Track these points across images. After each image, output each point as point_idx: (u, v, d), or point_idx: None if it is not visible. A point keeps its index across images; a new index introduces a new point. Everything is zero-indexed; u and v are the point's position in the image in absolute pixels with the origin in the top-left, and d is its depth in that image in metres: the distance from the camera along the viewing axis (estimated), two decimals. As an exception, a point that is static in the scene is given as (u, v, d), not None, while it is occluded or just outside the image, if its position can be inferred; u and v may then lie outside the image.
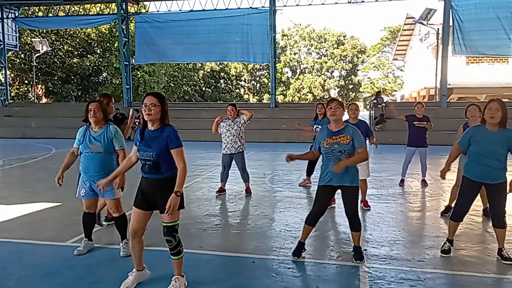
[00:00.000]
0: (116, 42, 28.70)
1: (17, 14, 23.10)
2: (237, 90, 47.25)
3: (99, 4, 23.21)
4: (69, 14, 23.30)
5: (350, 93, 52.42)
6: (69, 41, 30.96)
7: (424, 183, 7.70)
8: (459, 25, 17.14)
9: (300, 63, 54.02)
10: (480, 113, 5.21)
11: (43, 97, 33.49)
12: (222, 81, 44.48)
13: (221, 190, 6.92)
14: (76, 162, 4.14)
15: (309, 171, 7.69)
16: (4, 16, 22.40)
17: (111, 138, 3.96)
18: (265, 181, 8.23)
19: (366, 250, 4.20)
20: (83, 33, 31.25)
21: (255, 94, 49.95)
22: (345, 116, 4.42)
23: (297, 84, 50.14)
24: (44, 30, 28.05)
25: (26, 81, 31.54)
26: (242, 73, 49.01)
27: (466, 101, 22.29)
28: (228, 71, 45.00)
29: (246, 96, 49.07)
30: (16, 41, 24.47)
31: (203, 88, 43.12)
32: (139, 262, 3.42)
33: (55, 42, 30.10)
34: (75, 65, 30.59)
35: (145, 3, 22.94)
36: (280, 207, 6.14)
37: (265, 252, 4.21)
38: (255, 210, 6.00)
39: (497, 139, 3.78)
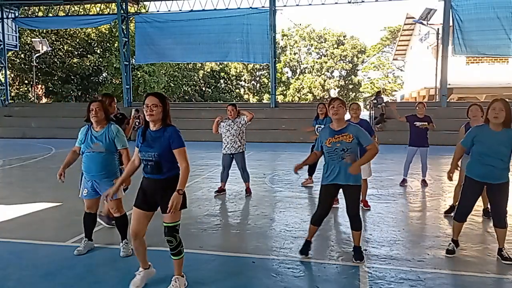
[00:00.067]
0: (116, 42, 28.70)
1: (17, 14, 23.09)
2: (237, 90, 47.20)
3: (99, 4, 23.19)
4: (69, 14, 23.28)
5: (350, 93, 52.34)
6: (69, 41, 30.96)
7: (424, 183, 7.68)
8: (459, 25, 17.14)
9: (300, 63, 53.95)
10: (481, 113, 5.21)
11: (43, 97, 33.48)
12: (222, 81, 44.45)
13: (221, 190, 6.92)
14: (78, 162, 4.14)
15: (311, 171, 7.69)
16: (4, 16, 22.39)
17: (113, 138, 3.97)
18: (265, 181, 8.22)
19: (366, 250, 4.20)
20: (83, 33, 31.25)
21: (255, 94, 49.91)
22: (347, 116, 4.42)
23: (297, 84, 50.08)
24: (44, 30, 28.04)
25: (26, 81, 31.54)
26: (242, 73, 48.96)
27: (466, 101, 22.30)
28: (228, 71, 44.97)
29: (246, 96, 49.03)
30: (16, 41, 24.45)
31: (203, 88, 43.09)
32: (144, 261, 3.43)
33: (55, 42, 30.10)
34: (75, 65, 30.60)
35: (145, 3, 22.92)
36: (280, 207, 6.14)
37: (265, 252, 4.21)
38: (255, 210, 6.01)
39: (501, 139, 3.78)
